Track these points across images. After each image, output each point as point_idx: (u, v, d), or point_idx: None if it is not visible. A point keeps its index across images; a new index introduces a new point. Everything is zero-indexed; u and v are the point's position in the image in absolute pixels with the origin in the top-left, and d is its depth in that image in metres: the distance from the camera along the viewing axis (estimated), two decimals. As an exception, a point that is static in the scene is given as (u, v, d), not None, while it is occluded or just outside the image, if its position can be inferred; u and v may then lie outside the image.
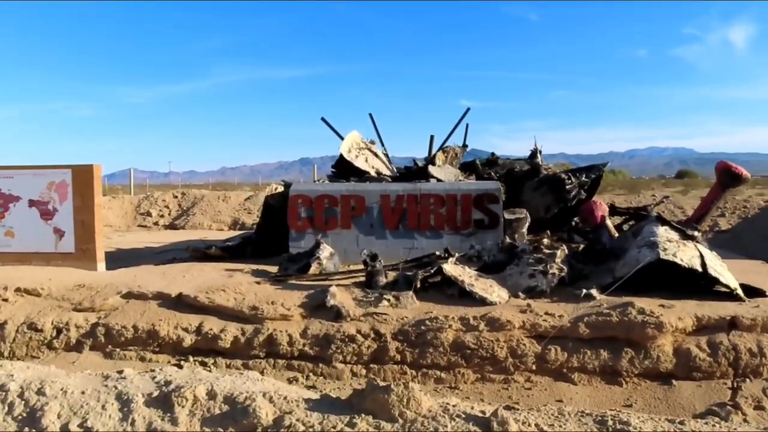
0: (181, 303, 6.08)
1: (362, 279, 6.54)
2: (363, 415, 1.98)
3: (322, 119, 9.12)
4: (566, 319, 5.28)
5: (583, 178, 8.34)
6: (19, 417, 1.95)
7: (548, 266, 5.97)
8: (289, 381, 5.18)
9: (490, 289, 5.87)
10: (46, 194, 7.83)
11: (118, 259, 8.81)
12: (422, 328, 5.36)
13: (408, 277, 6.18)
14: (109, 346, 5.82)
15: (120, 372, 2.38)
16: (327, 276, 6.62)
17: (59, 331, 5.97)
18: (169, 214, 16.96)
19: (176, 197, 17.64)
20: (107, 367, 5.57)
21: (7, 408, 1.97)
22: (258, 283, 6.40)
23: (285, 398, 2.04)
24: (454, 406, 2.04)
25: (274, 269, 7.14)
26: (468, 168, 9.22)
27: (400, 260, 6.96)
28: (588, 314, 5.28)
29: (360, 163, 8.31)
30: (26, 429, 1.88)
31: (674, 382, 4.86)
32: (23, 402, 2.01)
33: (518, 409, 2.03)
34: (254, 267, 7.26)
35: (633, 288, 5.70)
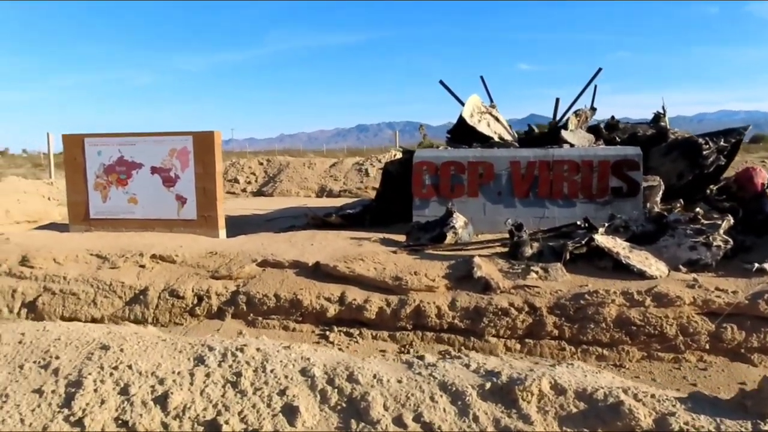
0: (318, 272, 5.99)
1: (499, 249, 6.28)
2: (769, 422, 1.73)
3: (441, 82, 8.74)
4: (742, 296, 4.89)
5: (722, 143, 7.72)
6: (338, 407, 1.77)
7: (711, 238, 5.53)
8: (441, 354, 5.01)
9: (647, 262, 5.50)
10: (168, 161, 7.87)
11: (231, 225, 8.82)
12: (581, 302, 5.08)
13: (553, 247, 5.88)
14: (251, 315, 5.80)
15: (421, 357, 2.19)
16: (462, 246, 6.38)
17: (200, 298, 6.00)
18: (256, 181, 17.09)
19: (261, 164, 17.75)
20: (251, 335, 5.56)
21: (319, 396, 1.80)
22: (394, 252, 6.23)
23: (652, 396, 1.80)
24: None
25: (398, 237, 6.96)
26: (592, 132, 8.70)
27: (532, 230, 6.64)
28: (767, 290, 4.87)
29: (483, 128, 7.94)
30: (352, 421, 1.70)
31: None
32: (336, 390, 1.83)
33: None
34: (380, 236, 7.09)
35: (804, 263, 5.23)
